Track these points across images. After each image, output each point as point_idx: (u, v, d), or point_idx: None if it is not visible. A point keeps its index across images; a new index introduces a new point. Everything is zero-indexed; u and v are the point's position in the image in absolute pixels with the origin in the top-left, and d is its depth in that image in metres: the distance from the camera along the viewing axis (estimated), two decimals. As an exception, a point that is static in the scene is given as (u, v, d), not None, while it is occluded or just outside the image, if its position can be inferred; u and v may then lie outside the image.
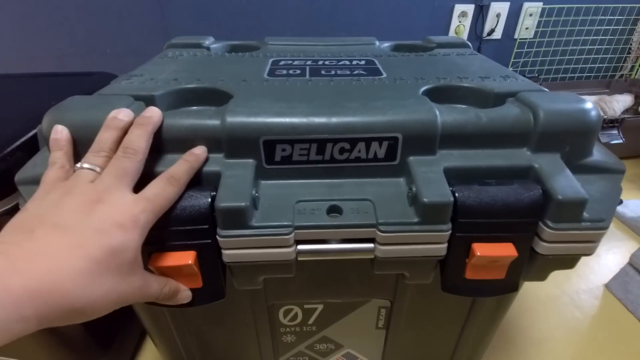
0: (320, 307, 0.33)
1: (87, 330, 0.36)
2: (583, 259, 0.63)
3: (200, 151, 0.24)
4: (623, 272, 0.53)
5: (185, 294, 0.24)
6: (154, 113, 0.23)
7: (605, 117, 0.82)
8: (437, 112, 0.24)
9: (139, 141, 0.22)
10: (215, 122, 0.24)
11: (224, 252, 0.23)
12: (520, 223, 0.23)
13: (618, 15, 1.01)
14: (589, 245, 0.23)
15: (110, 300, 0.19)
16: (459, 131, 0.24)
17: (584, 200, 0.22)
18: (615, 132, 0.80)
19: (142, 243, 0.20)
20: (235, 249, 0.22)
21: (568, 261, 0.24)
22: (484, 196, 0.22)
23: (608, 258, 0.60)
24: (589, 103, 0.25)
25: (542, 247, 0.23)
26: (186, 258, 0.22)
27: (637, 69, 1.09)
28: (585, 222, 0.22)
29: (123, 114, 0.23)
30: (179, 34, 1.03)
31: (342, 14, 0.96)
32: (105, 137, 0.22)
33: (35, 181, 0.25)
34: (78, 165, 0.22)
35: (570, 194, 0.22)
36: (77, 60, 0.98)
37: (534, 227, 0.23)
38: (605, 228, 0.23)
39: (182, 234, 0.22)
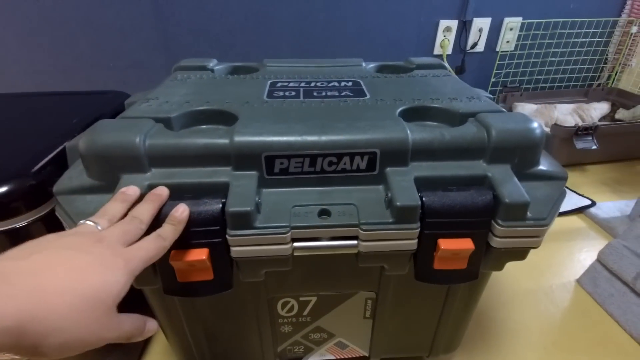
0: (314, 299, 0.37)
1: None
2: (557, 257, 0.68)
3: (184, 215, 0.26)
4: (592, 268, 0.58)
5: (152, 324, 0.25)
6: (162, 192, 0.27)
7: (580, 124, 0.87)
8: (409, 131, 0.30)
9: (146, 214, 0.25)
10: (225, 141, 0.28)
11: (232, 248, 0.27)
12: (476, 222, 0.28)
13: (594, 28, 1.07)
14: (534, 239, 0.28)
15: (88, 330, 0.19)
16: (427, 147, 0.30)
17: (527, 203, 0.27)
18: (589, 138, 0.86)
19: (128, 287, 0.21)
20: (241, 246, 0.27)
21: (519, 253, 0.29)
22: (446, 200, 0.27)
23: (580, 256, 0.65)
24: (535, 123, 0.31)
25: (495, 242, 0.28)
26: (201, 254, 0.27)
27: (614, 78, 1.15)
28: (529, 220, 0.27)
29: (132, 191, 0.26)
30: (179, 50, 1.08)
31: (334, 30, 1.02)
32: (112, 207, 0.25)
33: (71, 191, 0.29)
34: (82, 221, 0.24)
35: (515, 197, 0.27)
36: (81, 75, 1.02)
37: (488, 225, 0.28)
38: (547, 225, 0.28)
39: (197, 234, 0.27)
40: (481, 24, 1.04)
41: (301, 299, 0.37)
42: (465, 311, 0.39)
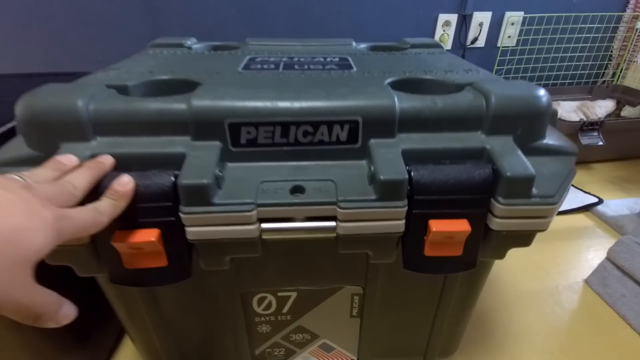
0: (294, 294, 0.33)
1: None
2: (563, 256, 0.63)
3: (128, 188, 0.22)
4: (602, 267, 0.54)
5: (69, 309, 0.20)
6: (105, 160, 0.23)
7: (586, 119, 0.84)
8: (396, 98, 0.26)
9: (82, 181, 0.21)
10: (182, 106, 0.25)
11: (188, 229, 0.23)
12: (472, 199, 0.24)
13: (598, 24, 1.04)
14: (541, 221, 0.24)
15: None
16: (417, 116, 0.26)
17: (532, 177, 0.23)
18: (595, 134, 0.82)
19: (49, 248, 0.18)
20: (198, 226, 0.23)
21: (523, 237, 0.25)
22: (438, 174, 0.23)
23: (588, 255, 0.61)
24: (541, 90, 0.27)
25: (495, 223, 0.24)
26: (149, 235, 0.23)
27: (619, 76, 1.12)
28: (535, 198, 0.23)
29: (67, 160, 0.23)
30: (169, 42, 1.04)
31: (329, 25, 0.99)
32: (41, 172, 0.22)
33: (5, 163, 0.25)
34: (6, 175, 0.20)
35: (518, 171, 0.23)
36: (70, 68, 1.00)
37: (486, 203, 0.24)
38: (555, 203, 0.24)
39: (146, 211, 0.23)
40: (482, 18, 1.01)
41: (279, 294, 0.33)
42: (463, 309, 0.35)
